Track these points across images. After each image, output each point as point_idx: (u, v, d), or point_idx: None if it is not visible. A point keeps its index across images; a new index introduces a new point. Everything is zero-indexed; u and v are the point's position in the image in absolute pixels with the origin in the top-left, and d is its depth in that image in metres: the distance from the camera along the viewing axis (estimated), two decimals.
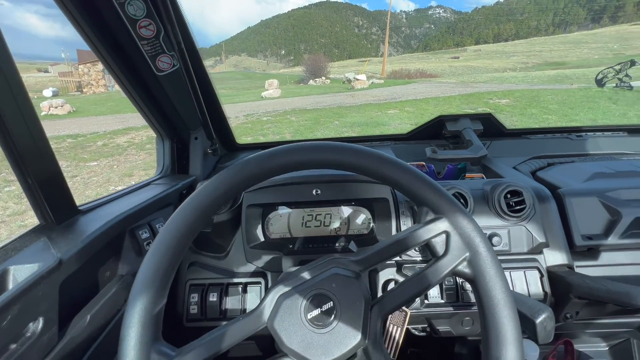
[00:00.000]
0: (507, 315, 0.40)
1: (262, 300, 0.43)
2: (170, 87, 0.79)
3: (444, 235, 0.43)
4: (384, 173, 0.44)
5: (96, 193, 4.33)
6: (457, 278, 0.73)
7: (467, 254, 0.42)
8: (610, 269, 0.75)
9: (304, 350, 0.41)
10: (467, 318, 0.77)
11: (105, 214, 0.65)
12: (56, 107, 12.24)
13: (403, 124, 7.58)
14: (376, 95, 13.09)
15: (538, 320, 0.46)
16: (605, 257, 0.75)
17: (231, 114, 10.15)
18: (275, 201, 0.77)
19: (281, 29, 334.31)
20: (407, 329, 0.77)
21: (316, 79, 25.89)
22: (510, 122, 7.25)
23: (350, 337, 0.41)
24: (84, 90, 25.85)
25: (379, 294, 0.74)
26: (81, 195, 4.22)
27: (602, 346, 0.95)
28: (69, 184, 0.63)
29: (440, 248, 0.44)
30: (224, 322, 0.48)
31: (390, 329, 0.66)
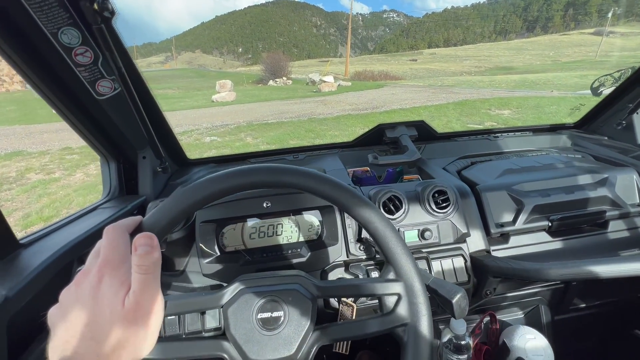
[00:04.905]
0: None
1: (227, 285, 0.49)
2: (113, 109, 0.79)
3: (396, 297, 0.49)
4: (366, 220, 0.48)
5: None
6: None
7: (408, 321, 0.48)
8: (519, 250, 0.89)
9: (244, 342, 0.45)
10: None
11: (50, 245, 0.64)
12: None
13: None
14: (353, 103, 11.04)
15: (454, 300, 0.53)
16: (514, 240, 0.90)
17: None
18: (227, 216, 0.81)
19: (237, 26, 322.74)
20: None
21: (277, 80, 23.61)
22: None
23: (285, 348, 0.46)
24: None
25: None
26: None
27: (519, 314, 1.12)
28: None
29: (389, 305, 0.49)
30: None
31: None
